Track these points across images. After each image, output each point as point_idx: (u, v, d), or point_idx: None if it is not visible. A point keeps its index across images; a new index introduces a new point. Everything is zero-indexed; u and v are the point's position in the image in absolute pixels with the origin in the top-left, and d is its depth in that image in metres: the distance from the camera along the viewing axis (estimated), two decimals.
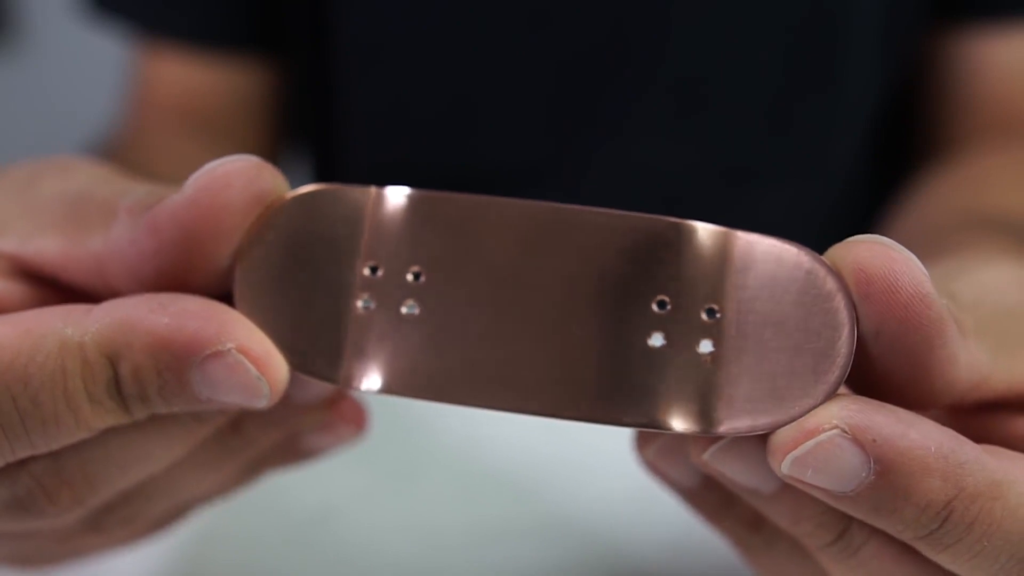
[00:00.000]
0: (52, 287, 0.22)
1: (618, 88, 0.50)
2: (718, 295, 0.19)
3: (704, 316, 0.19)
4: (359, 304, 0.20)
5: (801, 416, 0.18)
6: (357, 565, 0.31)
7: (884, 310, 0.18)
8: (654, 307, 0.19)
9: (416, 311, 0.20)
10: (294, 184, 0.22)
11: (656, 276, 0.19)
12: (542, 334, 0.19)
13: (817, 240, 0.21)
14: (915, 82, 0.53)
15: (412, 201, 0.20)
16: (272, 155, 0.57)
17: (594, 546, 0.32)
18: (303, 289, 0.20)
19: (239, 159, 0.20)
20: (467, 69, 0.51)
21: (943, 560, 0.18)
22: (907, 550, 0.19)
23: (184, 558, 0.32)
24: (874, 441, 0.17)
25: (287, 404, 0.21)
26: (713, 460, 0.20)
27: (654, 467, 0.22)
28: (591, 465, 0.35)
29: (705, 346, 0.19)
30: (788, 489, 0.19)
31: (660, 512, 0.33)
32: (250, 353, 0.19)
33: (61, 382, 0.19)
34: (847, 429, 0.17)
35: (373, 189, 0.20)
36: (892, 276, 0.18)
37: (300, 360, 0.20)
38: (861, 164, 0.54)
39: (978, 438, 0.19)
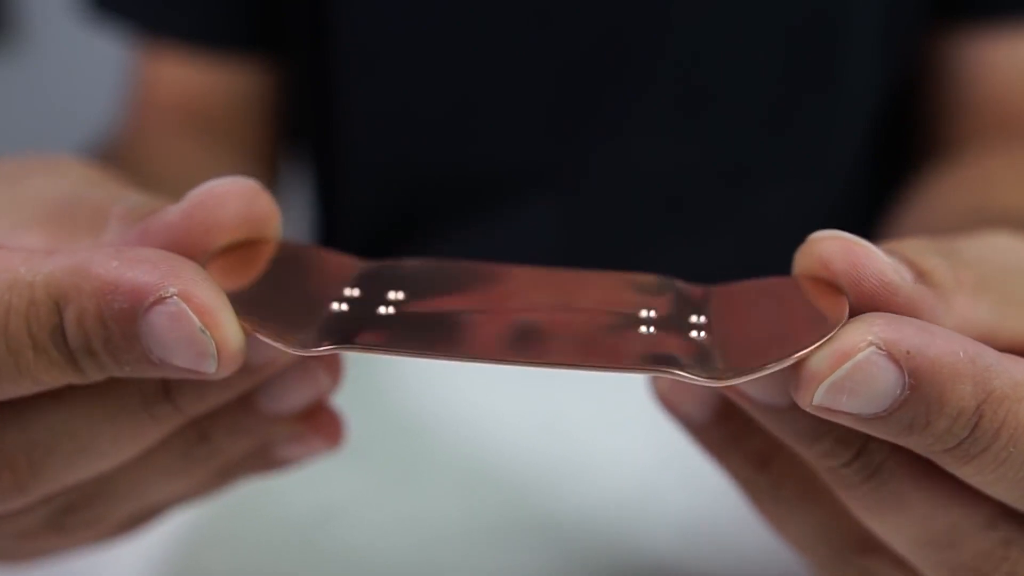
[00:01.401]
0: None
1: (618, 88, 0.50)
2: (701, 310, 0.20)
3: (692, 319, 0.20)
4: (333, 306, 0.20)
5: (816, 344, 0.17)
6: (357, 566, 0.31)
7: (853, 301, 0.18)
8: (641, 313, 0.20)
9: (392, 311, 0.20)
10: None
11: (635, 303, 0.20)
12: (519, 323, 0.20)
13: None
14: (916, 82, 0.53)
15: (397, 263, 0.21)
16: (272, 156, 0.57)
17: (594, 546, 0.32)
18: (277, 285, 0.20)
19: (237, 181, 0.20)
20: (467, 69, 0.51)
21: (966, 473, 0.18)
22: (927, 469, 0.19)
23: (183, 559, 0.32)
24: (908, 353, 0.17)
25: (254, 412, 0.21)
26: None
27: (666, 401, 0.22)
28: (591, 465, 0.35)
29: (695, 334, 0.20)
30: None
31: (661, 512, 0.33)
32: (193, 301, 0.18)
33: (3, 321, 0.18)
34: (881, 345, 0.17)
35: (364, 263, 0.21)
36: (854, 269, 0.18)
37: (258, 324, 0.19)
38: (861, 164, 0.54)
39: None
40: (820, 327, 0.18)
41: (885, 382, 0.17)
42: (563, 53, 0.50)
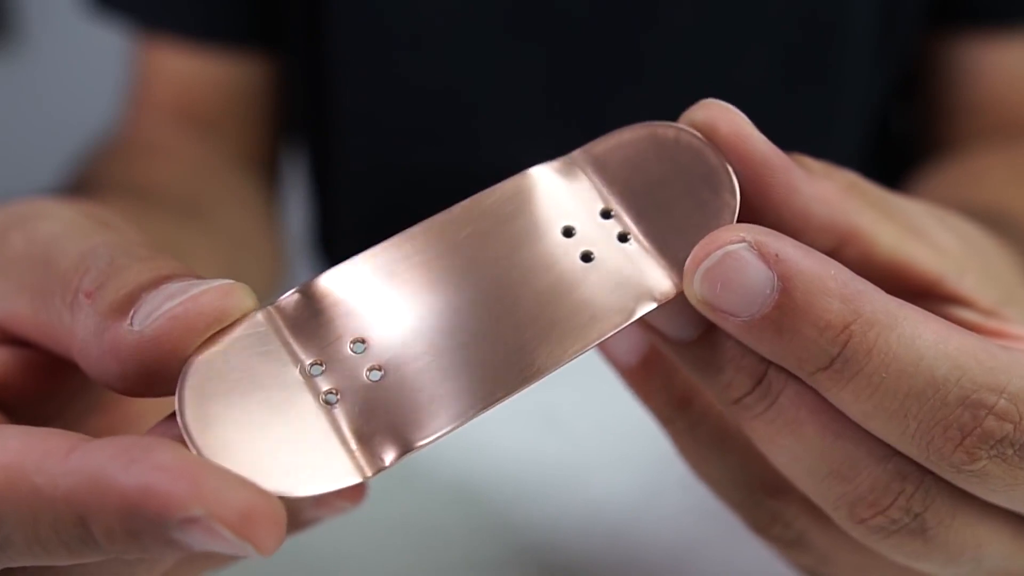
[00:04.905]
0: (30, 347, 0.21)
1: (613, 89, 0.50)
2: (601, 196, 0.22)
3: (602, 219, 0.21)
4: (323, 397, 0.19)
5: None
6: (357, 565, 0.31)
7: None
8: (561, 236, 0.21)
9: (379, 372, 0.19)
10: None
11: (544, 217, 0.21)
12: (496, 311, 0.20)
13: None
14: (913, 84, 0.53)
15: (311, 293, 0.20)
16: (270, 151, 0.57)
17: (594, 546, 0.32)
18: (261, 414, 0.19)
19: (209, 291, 0.19)
20: (462, 69, 0.51)
21: (847, 400, 0.19)
22: (824, 400, 0.20)
23: None
24: (777, 256, 0.18)
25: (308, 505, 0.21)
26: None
27: (603, 345, 0.23)
28: (591, 465, 0.35)
29: (621, 238, 0.21)
30: (708, 335, 0.21)
31: (661, 513, 0.33)
32: (226, 517, 0.16)
33: (32, 528, 0.17)
34: (752, 243, 0.18)
35: (269, 308, 0.20)
36: (711, 122, 0.21)
37: (298, 480, 0.18)
38: (859, 165, 0.54)
39: None
40: (720, 202, 0.21)
41: (754, 279, 0.18)
42: (558, 53, 0.50)
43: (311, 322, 0.20)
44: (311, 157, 0.59)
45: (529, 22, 0.49)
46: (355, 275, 0.20)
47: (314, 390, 0.19)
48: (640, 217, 0.21)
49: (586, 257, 0.21)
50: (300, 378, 0.19)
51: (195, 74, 0.54)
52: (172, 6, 0.53)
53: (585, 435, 0.36)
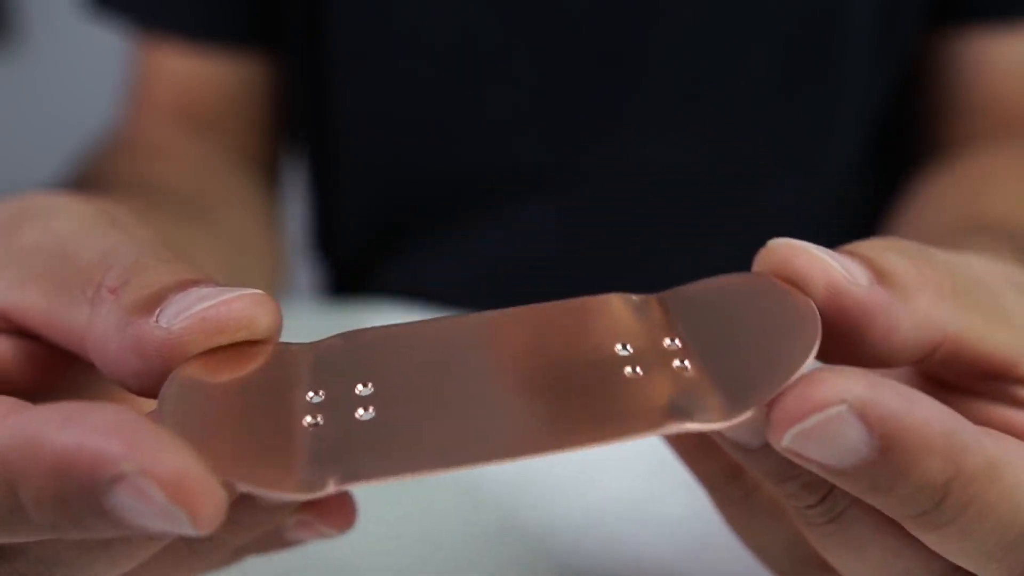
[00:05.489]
0: (33, 339, 0.21)
1: (615, 88, 0.50)
2: (671, 329, 0.20)
3: (667, 342, 0.20)
4: (306, 420, 0.19)
5: (790, 381, 0.18)
6: (356, 565, 0.31)
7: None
8: (616, 348, 0.20)
9: (372, 415, 0.19)
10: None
11: (603, 330, 0.20)
12: (519, 390, 0.19)
13: (816, 240, 0.21)
14: (915, 82, 0.53)
15: (350, 341, 0.20)
16: (270, 153, 0.57)
17: (595, 547, 0.32)
18: (243, 411, 0.19)
19: (242, 298, 0.19)
20: (460, 71, 0.51)
21: (930, 540, 0.18)
22: (888, 520, 0.19)
23: None
24: (880, 418, 0.17)
25: (258, 507, 0.20)
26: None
27: None
28: (592, 466, 0.35)
29: (678, 363, 0.19)
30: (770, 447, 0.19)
31: (662, 513, 0.33)
32: (158, 474, 0.15)
33: None
34: (855, 404, 0.17)
35: (305, 345, 0.20)
36: (800, 275, 0.19)
37: (242, 473, 0.17)
38: (861, 164, 0.54)
39: (966, 412, 0.19)
40: (797, 343, 0.18)
41: (853, 440, 0.17)
42: (560, 52, 0.50)
43: (334, 363, 0.20)
44: (311, 158, 0.59)
45: (531, 21, 0.49)
46: (398, 339, 0.20)
47: (302, 411, 0.19)
48: (706, 351, 0.20)
49: (633, 368, 0.19)
50: (296, 398, 0.19)
51: (195, 74, 0.54)
52: (172, 6, 0.53)
53: None
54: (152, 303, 0.19)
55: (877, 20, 0.50)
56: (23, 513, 0.16)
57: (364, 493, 0.34)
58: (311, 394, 0.19)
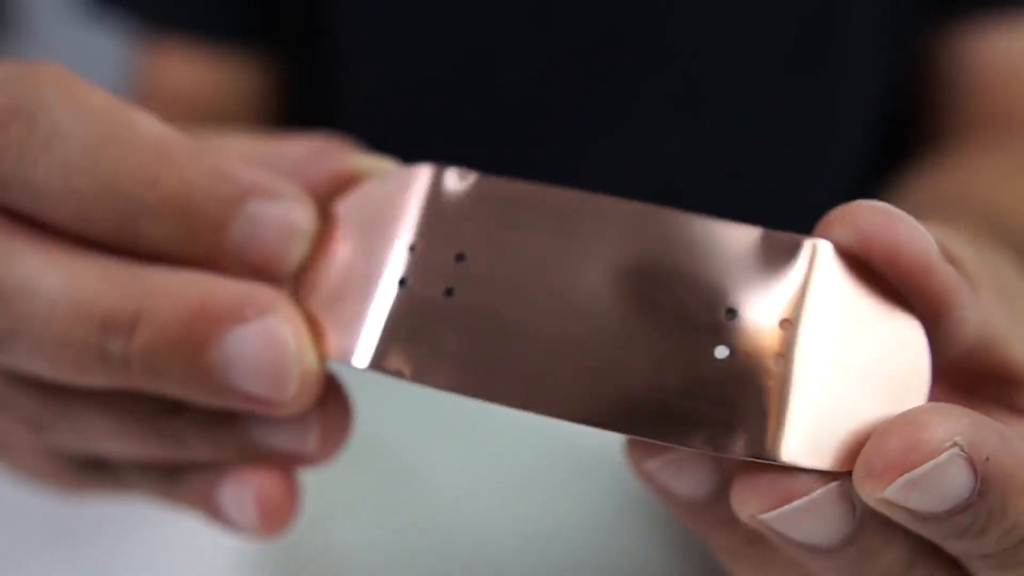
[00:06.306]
0: None
1: (615, 83, 0.50)
2: (795, 308, 0.17)
3: (777, 329, 0.17)
4: (397, 281, 0.19)
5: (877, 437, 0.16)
6: (357, 565, 0.31)
7: (887, 273, 0.17)
8: (722, 316, 0.17)
9: (456, 295, 0.18)
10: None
11: (719, 276, 0.17)
12: (589, 337, 0.17)
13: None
14: (916, 77, 0.53)
15: (464, 183, 0.19)
16: None
17: (595, 547, 0.32)
18: (349, 262, 0.19)
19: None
20: (462, 67, 0.51)
21: None
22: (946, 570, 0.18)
23: (184, 557, 0.32)
24: (987, 460, 0.16)
25: (234, 429, 0.20)
26: (776, 520, 0.17)
27: (654, 478, 0.19)
28: (593, 466, 0.35)
29: (775, 363, 0.17)
30: (856, 540, 0.17)
31: (664, 512, 0.33)
32: (289, 327, 0.18)
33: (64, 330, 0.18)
34: (965, 447, 0.15)
35: (424, 168, 0.20)
36: (894, 244, 0.17)
37: (337, 344, 0.18)
38: (862, 160, 0.54)
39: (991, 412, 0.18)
40: (907, 396, 0.17)
41: (959, 486, 0.16)
42: (560, 45, 0.50)
43: (450, 210, 0.19)
44: None
45: (535, 19, 0.49)
46: (507, 196, 0.19)
47: (395, 267, 0.19)
48: (816, 340, 0.17)
49: (725, 349, 0.17)
50: (395, 249, 0.19)
51: (196, 74, 0.54)
52: (172, 4, 0.53)
53: (587, 435, 0.36)
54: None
55: (879, 17, 0.50)
56: (126, 343, 0.18)
57: (364, 486, 0.34)
58: (409, 248, 0.19)
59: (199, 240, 0.19)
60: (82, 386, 0.19)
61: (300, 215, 0.19)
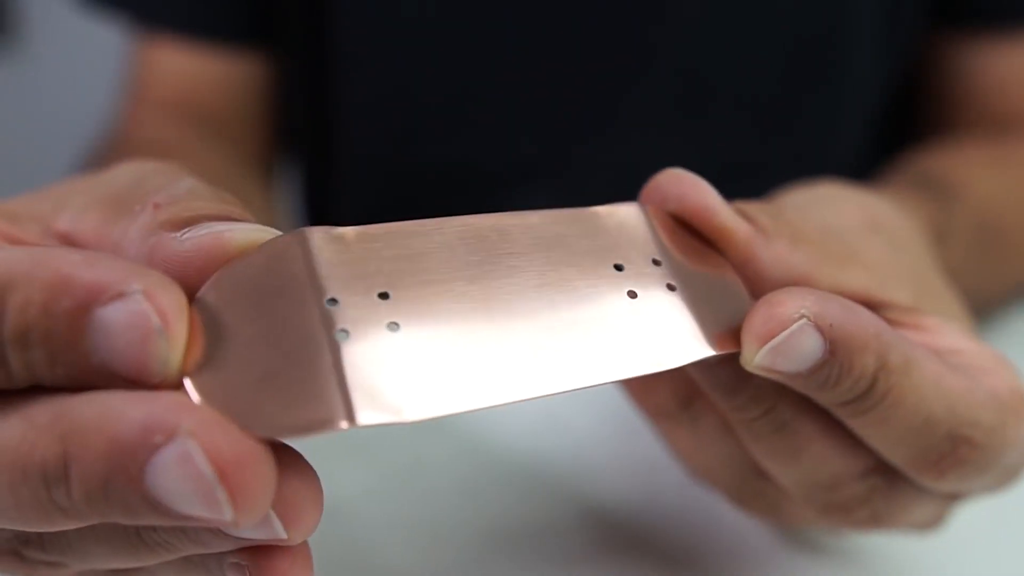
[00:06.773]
0: None
1: (616, 84, 0.50)
2: (658, 252, 0.22)
3: (653, 266, 0.22)
4: (334, 332, 0.18)
5: (746, 308, 0.21)
6: (357, 565, 0.31)
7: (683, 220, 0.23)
8: (612, 269, 0.21)
9: (398, 326, 0.18)
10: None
11: (597, 247, 0.21)
12: (527, 319, 0.20)
13: None
14: (916, 81, 0.53)
15: (339, 237, 0.19)
16: (266, 151, 0.57)
17: (596, 546, 0.32)
18: (263, 339, 0.18)
19: (258, 229, 0.19)
20: (462, 66, 0.51)
21: (857, 425, 0.22)
22: (822, 428, 0.23)
23: None
24: (831, 326, 0.20)
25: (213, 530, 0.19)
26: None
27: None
28: (593, 465, 0.35)
29: (665, 286, 0.21)
30: (729, 360, 0.21)
31: (664, 512, 0.33)
32: (207, 444, 0.15)
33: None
34: (811, 317, 0.20)
35: (288, 237, 0.19)
36: (679, 192, 0.23)
37: (286, 420, 0.17)
38: (863, 161, 0.54)
39: None
40: (736, 280, 0.22)
41: (811, 347, 0.20)
42: (560, 47, 0.50)
43: (344, 260, 0.19)
44: (306, 157, 0.59)
45: (534, 17, 0.49)
46: (399, 236, 0.20)
47: (327, 324, 0.18)
48: (678, 271, 0.22)
49: (631, 294, 0.21)
50: (317, 308, 0.18)
51: (193, 71, 0.54)
52: (171, 3, 0.53)
53: (587, 434, 0.36)
54: (184, 223, 0.19)
55: (880, 18, 0.50)
56: (68, 491, 0.16)
57: (364, 486, 0.34)
58: (328, 297, 0.18)
59: (64, 361, 0.17)
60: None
61: (152, 309, 0.17)
